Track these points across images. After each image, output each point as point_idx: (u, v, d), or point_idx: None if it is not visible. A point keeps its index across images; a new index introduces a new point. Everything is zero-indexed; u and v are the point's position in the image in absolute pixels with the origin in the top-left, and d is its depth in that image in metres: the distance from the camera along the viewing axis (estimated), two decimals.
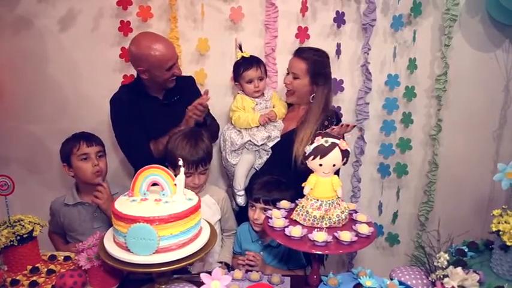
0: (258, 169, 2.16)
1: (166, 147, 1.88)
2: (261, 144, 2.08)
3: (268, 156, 2.13)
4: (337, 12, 2.38)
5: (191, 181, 1.82)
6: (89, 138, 1.99)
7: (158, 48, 1.95)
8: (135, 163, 2.17)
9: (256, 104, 2.11)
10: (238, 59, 2.13)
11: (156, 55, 1.94)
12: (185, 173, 1.71)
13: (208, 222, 1.50)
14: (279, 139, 2.10)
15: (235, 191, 2.15)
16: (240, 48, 2.15)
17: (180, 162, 1.43)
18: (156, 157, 2.01)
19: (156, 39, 1.99)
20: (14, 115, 2.65)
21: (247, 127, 2.09)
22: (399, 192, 2.67)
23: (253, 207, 1.86)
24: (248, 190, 2.00)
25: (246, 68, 2.08)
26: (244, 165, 2.14)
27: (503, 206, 1.40)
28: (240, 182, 2.13)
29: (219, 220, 1.99)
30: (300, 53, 2.08)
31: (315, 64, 2.04)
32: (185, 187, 1.69)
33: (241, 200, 2.14)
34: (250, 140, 2.07)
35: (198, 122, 2.07)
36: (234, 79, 2.19)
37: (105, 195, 1.93)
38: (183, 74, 2.41)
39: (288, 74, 2.11)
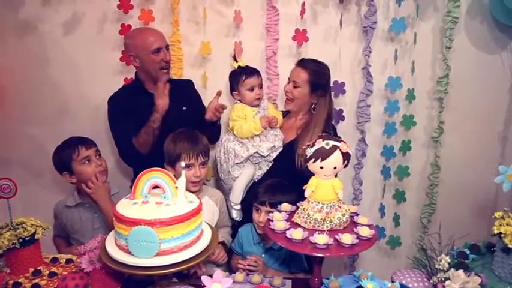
0: (257, 180, 2.15)
1: (159, 146, 1.87)
2: (267, 155, 2.07)
3: (268, 168, 2.12)
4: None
5: (193, 174, 1.81)
6: (84, 141, 1.98)
7: (146, 32, 2.12)
8: (129, 161, 2.22)
9: (257, 113, 2.11)
10: (235, 68, 2.15)
11: (143, 37, 2.06)
12: (186, 166, 1.75)
13: (210, 225, 1.50)
14: (281, 149, 2.11)
15: (232, 204, 2.12)
16: (235, 59, 2.19)
17: (182, 164, 1.44)
18: (140, 150, 2.03)
19: (145, 28, 2.21)
20: (16, 118, 2.67)
21: (250, 136, 2.08)
22: (401, 195, 2.66)
23: (258, 210, 1.85)
24: (253, 193, 1.99)
25: (248, 75, 2.10)
26: (245, 179, 2.13)
27: (505, 209, 1.40)
28: (238, 196, 2.12)
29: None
30: (301, 62, 2.14)
31: (315, 74, 2.09)
32: (187, 182, 1.71)
33: (236, 215, 2.12)
34: (256, 152, 2.06)
35: (208, 123, 2.13)
36: (231, 89, 2.19)
37: (95, 186, 1.93)
38: (185, 77, 2.44)
39: (288, 82, 2.15)
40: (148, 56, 2.05)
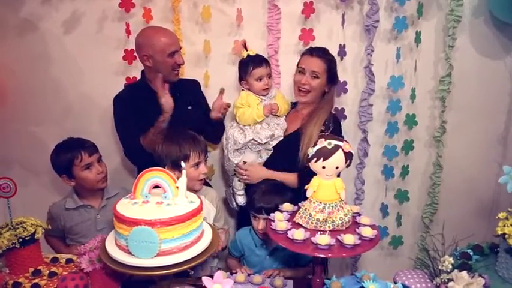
0: None
1: (160, 148, 1.83)
2: (265, 143, 2.06)
3: (268, 156, 2.12)
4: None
5: (202, 170, 1.83)
6: (86, 147, 1.95)
7: (161, 33, 2.08)
8: (134, 160, 2.22)
9: (261, 101, 2.10)
10: (244, 57, 2.11)
11: (159, 38, 2.05)
12: (195, 164, 1.79)
13: (211, 225, 1.49)
14: (282, 138, 2.10)
15: (235, 190, 2.15)
16: (245, 47, 2.14)
17: (183, 164, 1.43)
18: (147, 149, 2.01)
19: (159, 28, 2.16)
20: (17, 117, 2.67)
21: (252, 123, 2.08)
22: (404, 194, 2.65)
23: (256, 218, 1.83)
24: (248, 201, 1.98)
25: (256, 65, 2.07)
26: None
27: (509, 209, 1.38)
28: (241, 182, 2.14)
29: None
30: (317, 52, 2.06)
31: (332, 63, 2.08)
32: (198, 179, 1.82)
33: (241, 200, 2.15)
34: (253, 139, 2.06)
35: (217, 121, 2.16)
36: (239, 78, 2.17)
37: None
38: (187, 77, 2.44)
39: (300, 73, 2.07)
40: (163, 58, 2.06)
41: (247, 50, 2.12)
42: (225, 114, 2.18)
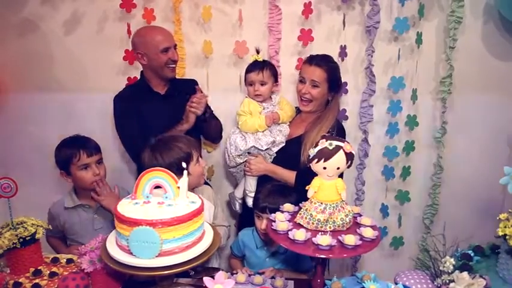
0: None
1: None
2: (266, 149, 2.07)
3: (271, 160, 2.12)
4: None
5: (202, 163, 1.85)
6: (87, 146, 1.94)
7: (155, 31, 2.13)
8: (135, 158, 2.22)
9: (264, 109, 2.10)
10: (251, 62, 2.12)
11: (152, 36, 2.09)
12: (197, 160, 1.81)
13: (212, 226, 1.49)
14: (283, 144, 2.09)
15: (247, 192, 2.14)
16: (257, 52, 2.12)
17: (184, 165, 1.43)
18: None
19: (154, 26, 2.24)
20: (18, 117, 2.67)
21: (254, 131, 2.08)
22: (404, 195, 2.65)
23: (260, 218, 1.83)
24: (253, 200, 1.99)
25: (248, 70, 2.10)
26: None
27: (510, 210, 1.38)
28: (252, 183, 2.14)
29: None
30: (317, 61, 2.02)
31: (333, 71, 2.05)
32: (200, 177, 1.84)
33: (251, 202, 2.12)
34: (254, 146, 2.06)
35: (199, 118, 2.15)
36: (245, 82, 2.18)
37: (105, 192, 1.95)
38: (187, 76, 2.44)
39: (301, 82, 2.06)
40: (156, 55, 2.09)
41: (258, 55, 2.11)
42: (196, 107, 2.11)
